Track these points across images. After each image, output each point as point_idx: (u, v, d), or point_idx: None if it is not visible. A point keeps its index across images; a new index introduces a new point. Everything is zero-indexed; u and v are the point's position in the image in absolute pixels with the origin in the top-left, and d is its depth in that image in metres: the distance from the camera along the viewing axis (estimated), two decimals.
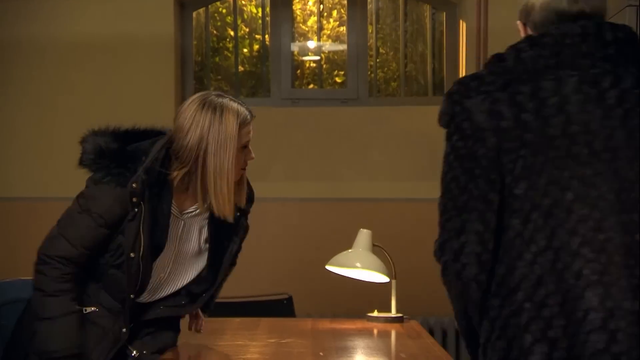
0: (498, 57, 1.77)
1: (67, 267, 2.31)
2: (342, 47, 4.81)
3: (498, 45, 2.24)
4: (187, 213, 2.43)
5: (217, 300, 3.59)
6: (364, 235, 3.09)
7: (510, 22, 4.05)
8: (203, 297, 2.51)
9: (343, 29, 4.81)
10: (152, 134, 2.45)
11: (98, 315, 2.36)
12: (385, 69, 4.91)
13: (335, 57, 4.89)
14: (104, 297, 2.37)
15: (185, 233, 2.43)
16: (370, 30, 4.79)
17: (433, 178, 2.98)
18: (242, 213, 2.52)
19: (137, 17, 4.49)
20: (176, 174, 2.33)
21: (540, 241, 1.63)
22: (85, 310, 2.36)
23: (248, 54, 4.94)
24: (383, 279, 3.07)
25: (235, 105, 2.38)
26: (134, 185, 2.27)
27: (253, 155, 2.41)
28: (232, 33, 4.89)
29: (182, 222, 2.42)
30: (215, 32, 4.92)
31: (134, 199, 2.27)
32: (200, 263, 2.48)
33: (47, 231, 2.44)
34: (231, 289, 3.93)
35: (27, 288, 2.46)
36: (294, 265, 4.39)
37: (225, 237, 2.50)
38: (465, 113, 1.72)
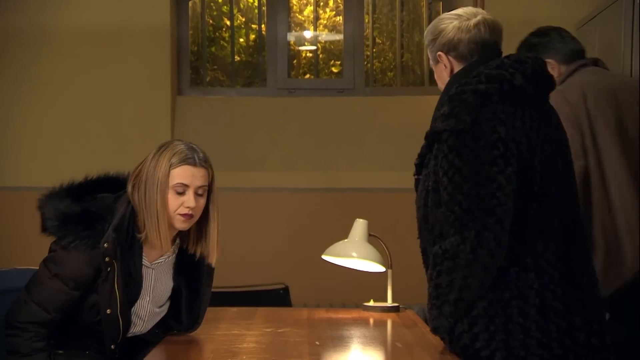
0: (498, 77, 2.17)
1: (40, 329, 2.32)
2: (339, 37, 4.81)
3: None
4: (157, 262, 2.45)
5: (214, 289, 3.61)
6: (360, 225, 3.09)
7: (506, 12, 4.06)
8: (175, 333, 2.56)
9: (339, 18, 4.80)
10: (106, 182, 2.45)
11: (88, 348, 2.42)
12: (382, 58, 4.90)
13: (332, 46, 4.89)
14: (87, 342, 2.41)
15: (157, 281, 2.46)
16: (366, 20, 4.79)
17: None
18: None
19: (133, 7, 4.48)
20: (144, 234, 2.35)
21: (556, 225, 2.18)
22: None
23: (244, 44, 4.93)
24: (379, 268, 3.08)
25: (180, 147, 2.35)
26: (105, 245, 2.27)
27: (192, 204, 2.33)
28: (228, 23, 4.88)
29: (153, 271, 2.44)
30: (211, 21, 4.91)
31: (107, 259, 2.28)
32: (166, 305, 2.51)
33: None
34: (228, 279, 3.93)
35: (21, 277, 2.47)
36: (290, 255, 4.40)
37: (196, 281, 2.51)
38: (494, 119, 2.12)
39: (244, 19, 4.91)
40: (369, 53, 4.79)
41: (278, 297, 3.74)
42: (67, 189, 2.38)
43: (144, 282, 2.39)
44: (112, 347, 2.37)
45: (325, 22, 4.88)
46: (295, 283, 3.90)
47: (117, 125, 4.48)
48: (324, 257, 3.12)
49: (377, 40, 4.89)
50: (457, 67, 2.29)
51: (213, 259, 2.46)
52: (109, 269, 2.29)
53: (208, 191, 2.40)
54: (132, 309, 2.38)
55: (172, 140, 2.41)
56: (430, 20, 4.79)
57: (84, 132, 4.46)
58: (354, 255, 3.05)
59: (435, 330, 2.24)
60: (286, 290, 3.78)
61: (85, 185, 2.42)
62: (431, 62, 2.39)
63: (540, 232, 2.15)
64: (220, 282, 3.75)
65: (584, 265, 2.23)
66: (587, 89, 2.99)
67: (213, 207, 2.42)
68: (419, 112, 4.54)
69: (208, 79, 4.86)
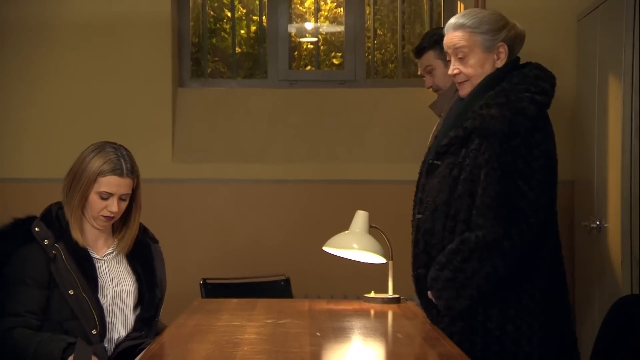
0: (547, 91, 2.41)
1: (25, 326, 2.40)
2: (340, 28, 4.80)
3: None
4: (107, 255, 2.58)
5: (216, 281, 3.62)
6: (360, 217, 3.09)
7: (507, 3, 4.04)
8: (154, 322, 2.65)
9: (340, 10, 4.80)
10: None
11: None
12: (383, 50, 4.90)
13: (333, 38, 4.88)
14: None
15: (114, 274, 2.57)
16: (367, 12, 4.78)
17: None
18: (152, 240, 2.72)
19: None
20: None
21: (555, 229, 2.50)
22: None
23: (245, 35, 4.93)
24: (380, 260, 3.08)
25: (111, 156, 2.49)
26: (37, 229, 2.44)
27: (115, 209, 2.49)
28: (229, 14, 4.87)
29: (106, 264, 2.56)
30: (212, 13, 4.90)
31: (46, 241, 2.43)
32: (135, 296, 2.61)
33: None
34: (229, 271, 3.94)
35: None
36: (291, 247, 4.40)
37: (151, 263, 2.66)
38: (547, 130, 2.41)
39: (244, 11, 4.91)
40: (370, 45, 4.78)
41: (279, 289, 3.74)
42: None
43: (100, 274, 2.52)
44: (94, 332, 2.43)
45: (326, 13, 4.87)
46: (296, 274, 3.90)
47: (118, 117, 4.48)
48: (325, 248, 3.12)
49: (378, 31, 4.89)
50: (503, 63, 2.46)
51: (126, 249, 2.61)
52: (54, 252, 2.43)
53: (132, 195, 2.57)
54: (100, 295, 2.47)
55: (105, 145, 2.54)
56: (431, 12, 4.79)
57: (85, 124, 4.46)
58: (355, 246, 3.05)
59: (447, 309, 2.39)
60: (287, 281, 3.78)
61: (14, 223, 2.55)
62: (476, 49, 2.43)
63: (550, 232, 2.43)
64: (222, 273, 3.77)
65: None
66: None
67: (136, 209, 2.61)
68: (420, 103, 4.53)
69: (209, 70, 4.85)
